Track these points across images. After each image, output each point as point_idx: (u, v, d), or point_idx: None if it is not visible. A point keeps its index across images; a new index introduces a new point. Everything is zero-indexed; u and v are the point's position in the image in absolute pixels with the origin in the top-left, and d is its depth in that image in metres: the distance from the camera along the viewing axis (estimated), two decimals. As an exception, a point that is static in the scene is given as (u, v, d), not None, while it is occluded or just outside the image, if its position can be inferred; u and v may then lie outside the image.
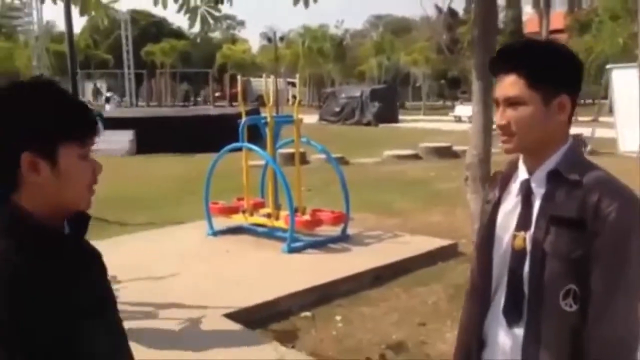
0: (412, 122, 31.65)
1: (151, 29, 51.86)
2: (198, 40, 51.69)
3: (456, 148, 16.43)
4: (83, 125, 1.23)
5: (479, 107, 5.52)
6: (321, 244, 6.72)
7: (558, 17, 45.11)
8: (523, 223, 1.61)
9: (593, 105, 33.91)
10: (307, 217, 6.80)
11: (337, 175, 7.14)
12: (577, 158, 1.62)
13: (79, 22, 54.92)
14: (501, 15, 58.11)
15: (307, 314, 5.11)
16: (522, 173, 1.66)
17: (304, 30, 47.37)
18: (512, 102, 1.56)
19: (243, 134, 6.98)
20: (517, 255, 1.61)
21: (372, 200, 9.70)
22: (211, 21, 4.05)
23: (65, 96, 1.25)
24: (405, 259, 6.24)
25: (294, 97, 8.30)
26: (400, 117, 33.33)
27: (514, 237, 1.62)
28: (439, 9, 44.70)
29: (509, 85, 1.57)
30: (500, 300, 1.67)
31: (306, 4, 4.60)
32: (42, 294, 1.16)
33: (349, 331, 4.81)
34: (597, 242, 1.47)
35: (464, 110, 35.16)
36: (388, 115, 30.73)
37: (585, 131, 18.64)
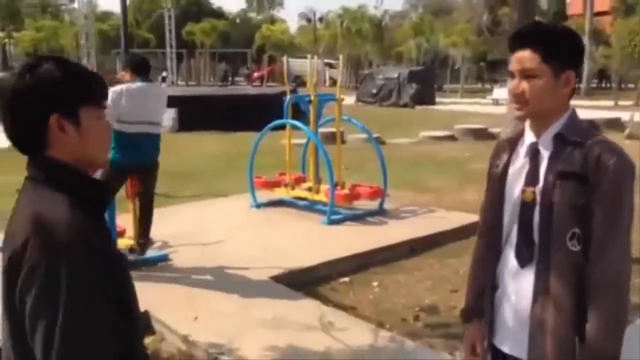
0: (450, 104, 31.56)
1: (192, 8, 52.50)
2: (237, 20, 52.00)
3: (492, 130, 16.52)
4: (98, 90, 1.43)
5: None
6: (359, 217, 7.07)
7: (603, -2, 43.94)
8: (531, 179, 1.86)
9: (635, 90, 33.22)
10: (346, 191, 7.15)
11: (376, 154, 7.45)
12: (577, 124, 1.88)
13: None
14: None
15: (346, 279, 5.48)
16: (529, 137, 1.91)
17: (342, 11, 47.35)
18: (527, 74, 1.81)
19: (287, 112, 7.34)
20: (527, 207, 1.86)
21: (408, 178, 9.97)
22: (266, 4, 4.32)
23: (79, 67, 1.44)
24: (439, 233, 6.55)
25: (331, 78, 8.60)
26: (438, 99, 33.23)
27: (524, 191, 1.87)
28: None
29: (526, 59, 1.80)
30: (510, 248, 1.92)
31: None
32: (103, 248, 1.34)
33: (385, 296, 5.17)
34: (597, 192, 1.74)
35: (502, 92, 34.85)
36: (425, 97, 30.71)
37: (624, 115, 18.53)
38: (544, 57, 1.78)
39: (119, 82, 5.51)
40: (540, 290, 1.82)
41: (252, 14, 60.03)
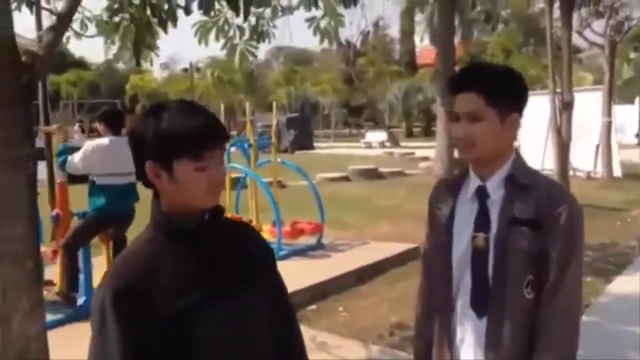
0: (327, 148, 32.98)
1: (55, 58, 50.38)
2: (101, 70, 50.69)
3: (382, 170, 17.69)
4: (193, 143, 1.38)
5: (442, 127, 6.52)
6: (302, 252, 7.50)
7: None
8: (481, 225, 1.79)
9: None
10: (287, 228, 7.56)
11: (312, 192, 7.99)
12: (524, 166, 1.85)
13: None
14: (396, 48, 61.45)
15: (313, 307, 5.87)
16: (474, 180, 1.85)
17: (211, 60, 47.92)
18: (472, 117, 1.74)
19: (229, 155, 7.69)
20: (480, 254, 1.79)
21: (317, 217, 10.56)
22: (250, 57, 4.73)
23: (184, 117, 1.39)
24: (380, 260, 7.15)
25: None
26: (314, 144, 34.57)
27: (474, 237, 1.80)
28: (338, 43, 46.54)
29: (470, 101, 1.74)
30: (463, 297, 1.84)
31: (217, 38, 4.54)
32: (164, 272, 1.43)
33: (354, 318, 5.61)
34: (551, 236, 1.73)
35: (374, 136, 37.09)
36: (304, 142, 31.90)
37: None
38: (488, 100, 1.72)
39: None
40: (494, 338, 1.78)
41: (118, 65, 59.00)
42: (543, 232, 1.72)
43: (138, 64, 4.26)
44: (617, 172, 15.67)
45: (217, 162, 1.43)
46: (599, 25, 15.12)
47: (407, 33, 54.95)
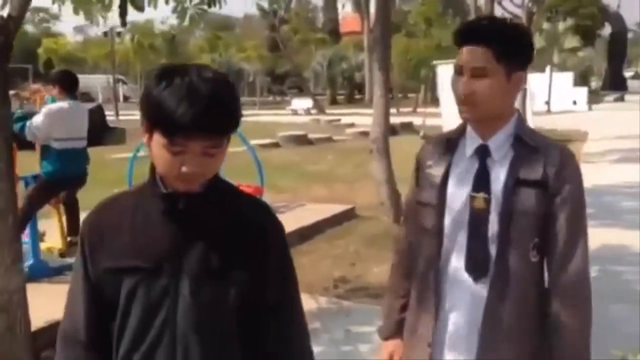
0: (252, 116, 32.76)
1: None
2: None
3: (311, 136, 18.00)
4: (165, 121, 1.26)
5: (381, 92, 6.85)
6: (243, 215, 7.70)
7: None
8: (481, 185, 1.71)
9: (412, 98, 37.66)
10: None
11: (251, 156, 8.15)
12: (528, 126, 1.79)
13: None
14: (319, 16, 61.55)
15: (259, 265, 6.13)
16: (473, 139, 1.76)
17: (131, 25, 46.33)
18: (477, 73, 1.65)
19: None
20: (478, 215, 1.70)
21: (256, 181, 10.76)
22: (198, 18, 4.81)
23: (178, 89, 1.27)
24: (318, 221, 7.48)
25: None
26: (239, 111, 34.31)
27: (473, 198, 1.71)
28: (262, 10, 45.99)
29: (478, 56, 1.64)
30: (455, 259, 1.75)
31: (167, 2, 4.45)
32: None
33: (298, 274, 5.88)
34: (559, 199, 1.67)
35: (300, 103, 37.29)
36: (229, 109, 31.55)
37: (415, 120, 21.31)
38: (498, 55, 1.64)
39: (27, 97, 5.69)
40: (496, 301, 1.70)
41: (27, 27, 56.03)
42: (549, 194, 1.67)
43: (124, 24, 4.26)
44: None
45: (198, 154, 1.29)
46: (516, -5, 15.91)
47: (330, 0, 55.23)
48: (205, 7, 4.75)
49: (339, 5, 61.18)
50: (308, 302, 4.85)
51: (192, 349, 1.36)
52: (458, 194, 1.74)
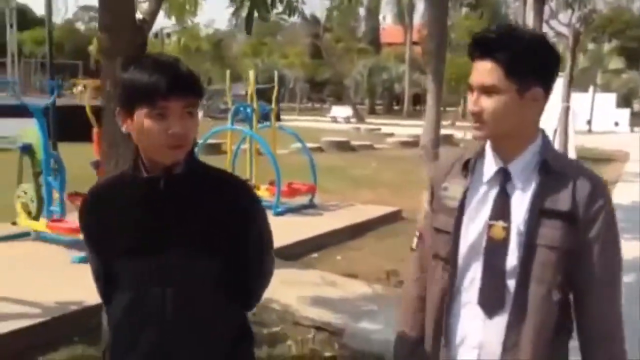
0: (293, 121, 33.33)
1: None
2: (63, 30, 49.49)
3: (353, 143, 18.49)
4: (146, 89, 1.47)
5: (432, 102, 7.24)
6: (297, 210, 8.24)
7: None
8: (500, 212, 1.58)
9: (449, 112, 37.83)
10: (284, 188, 8.28)
11: (306, 156, 8.69)
12: (555, 150, 1.64)
13: None
14: (361, 25, 61.99)
15: (314, 255, 6.62)
16: (492, 161, 1.63)
17: (179, 28, 47.50)
18: (486, 90, 1.53)
19: (233, 118, 8.32)
20: (496, 245, 1.57)
21: (307, 182, 11.28)
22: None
23: (146, 67, 1.50)
24: (368, 220, 7.97)
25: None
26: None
27: (491, 226, 1.58)
28: (304, 17, 46.67)
29: (486, 72, 1.52)
30: (468, 292, 1.63)
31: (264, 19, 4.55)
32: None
33: (352, 265, 6.38)
34: (591, 233, 1.53)
35: (339, 111, 37.86)
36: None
37: (456, 133, 21.61)
38: (507, 70, 1.51)
39: None
40: (513, 340, 1.57)
41: (79, 25, 57.60)
42: (578, 229, 1.52)
43: (249, 32, 4.67)
44: (572, 155, 16.82)
45: (178, 115, 1.48)
46: (563, 16, 16.13)
47: (373, 11, 55.63)
48: (286, 16, 5.28)
49: (380, 17, 61.64)
50: (364, 289, 5.32)
51: (180, 293, 1.57)
52: (475, 221, 1.62)
